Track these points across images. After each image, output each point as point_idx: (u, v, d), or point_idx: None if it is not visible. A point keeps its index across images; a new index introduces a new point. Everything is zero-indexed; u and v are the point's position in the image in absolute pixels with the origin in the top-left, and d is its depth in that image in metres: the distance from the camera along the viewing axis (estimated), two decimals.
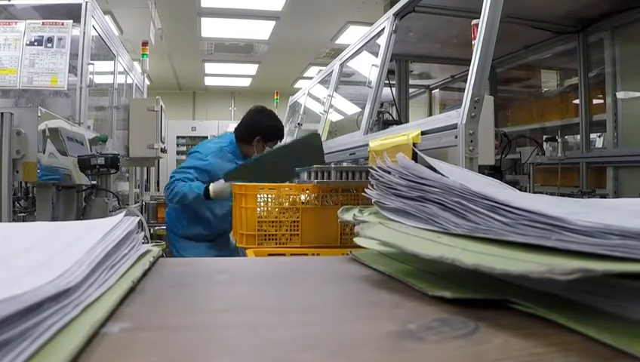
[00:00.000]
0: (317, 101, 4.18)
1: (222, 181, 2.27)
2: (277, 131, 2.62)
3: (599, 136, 3.16)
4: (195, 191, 2.36)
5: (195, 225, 2.57)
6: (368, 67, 2.53)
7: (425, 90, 4.53)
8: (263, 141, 2.53)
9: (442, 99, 4.56)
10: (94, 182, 2.20)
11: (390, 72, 2.73)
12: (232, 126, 8.41)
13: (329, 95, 3.30)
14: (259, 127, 2.57)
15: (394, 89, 3.36)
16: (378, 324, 0.31)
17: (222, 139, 2.62)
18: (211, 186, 2.33)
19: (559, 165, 2.88)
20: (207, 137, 7.79)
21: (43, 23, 2.65)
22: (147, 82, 4.72)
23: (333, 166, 1.61)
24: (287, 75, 8.51)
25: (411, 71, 3.72)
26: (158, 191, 6.55)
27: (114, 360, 0.25)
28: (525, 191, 2.38)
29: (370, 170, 0.52)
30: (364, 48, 2.90)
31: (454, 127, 1.37)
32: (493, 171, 2.31)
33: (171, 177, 2.44)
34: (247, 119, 2.62)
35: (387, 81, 2.55)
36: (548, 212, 0.32)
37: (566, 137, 3.08)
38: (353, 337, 0.29)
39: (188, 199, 2.36)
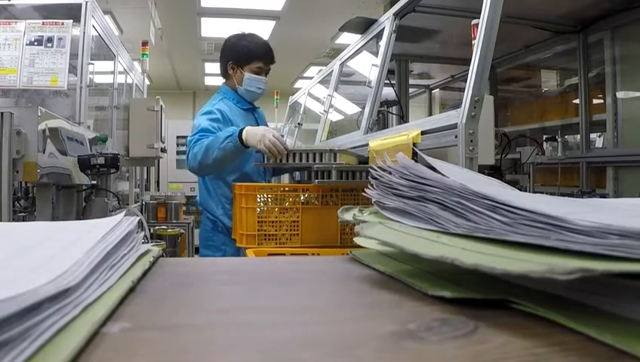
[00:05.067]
0: (317, 101, 4.18)
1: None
2: (249, 50, 2.16)
3: (599, 136, 3.17)
4: (222, 137, 1.89)
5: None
6: (368, 67, 2.53)
7: (425, 90, 4.53)
8: (236, 66, 2.16)
9: (442, 99, 4.57)
10: (94, 182, 2.20)
11: (390, 72, 2.74)
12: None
13: (329, 95, 3.30)
14: (227, 52, 2.20)
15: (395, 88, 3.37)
16: (378, 324, 0.31)
17: (214, 100, 2.23)
18: (245, 128, 1.87)
19: (559, 165, 2.88)
20: None
21: (43, 23, 2.65)
22: (147, 82, 4.72)
23: (333, 166, 1.61)
24: (287, 75, 8.50)
25: (411, 71, 3.72)
26: (158, 190, 6.55)
27: (114, 360, 0.25)
28: (525, 191, 2.38)
29: (370, 170, 0.52)
30: (364, 48, 2.90)
31: (454, 126, 1.37)
32: (493, 171, 2.31)
33: (189, 142, 2.02)
34: (220, 53, 2.26)
35: (387, 81, 2.55)
36: (548, 212, 0.32)
37: (566, 137, 3.08)
38: (353, 337, 0.29)
39: (213, 152, 1.90)
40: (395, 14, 2.32)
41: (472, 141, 1.33)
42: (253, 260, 1.13)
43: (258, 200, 1.66)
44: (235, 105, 2.19)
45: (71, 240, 0.39)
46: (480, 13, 1.40)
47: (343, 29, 2.90)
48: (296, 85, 8.55)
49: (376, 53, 2.58)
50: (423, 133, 1.54)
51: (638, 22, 2.75)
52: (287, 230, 1.64)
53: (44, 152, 1.81)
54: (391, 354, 0.26)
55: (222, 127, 2.02)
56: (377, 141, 1.83)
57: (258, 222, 1.63)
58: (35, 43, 2.61)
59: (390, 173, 0.49)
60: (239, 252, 1.91)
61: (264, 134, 1.80)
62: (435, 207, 0.42)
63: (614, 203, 0.52)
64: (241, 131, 1.86)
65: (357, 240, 0.50)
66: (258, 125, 2.18)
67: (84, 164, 2.06)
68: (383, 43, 2.40)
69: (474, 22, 1.50)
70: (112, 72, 3.55)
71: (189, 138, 2.05)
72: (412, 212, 0.44)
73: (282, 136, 1.97)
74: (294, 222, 1.64)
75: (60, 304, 0.27)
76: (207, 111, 2.11)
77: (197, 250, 5.34)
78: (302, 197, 1.67)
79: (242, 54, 2.17)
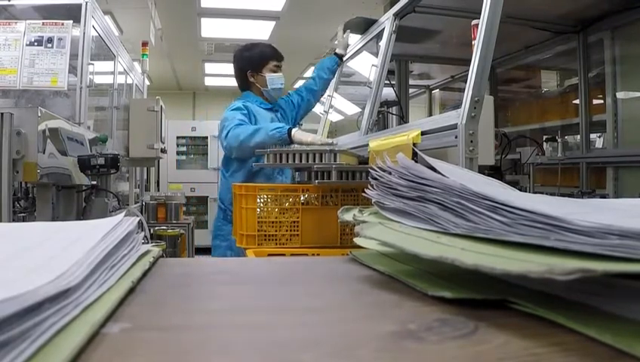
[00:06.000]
0: None
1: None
2: (261, 54, 2.38)
3: (599, 136, 3.16)
4: (271, 126, 2.10)
5: None
6: (368, 67, 2.53)
7: (425, 90, 4.53)
8: (255, 72, 2.36)
9: (442, 99, 4.56)
10: (94, 182, 2.20)
11: (390, 72, 2.73)
12: None
13: (329, 95, 3.30)
14: (241, 63, 2.41)
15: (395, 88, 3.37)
16: (378, 324, 0.31)
17: (238, 102, 2.39)
18: (295, 130, 2.09)
19: (559, 165, 2.88)
20: (207, 138, 7.82)
21: (43, 24, 2.66)
22: (147, 82, 4.72)
23: (333, 166, 1.61)
24: (288, 75, 8.50)
25: (411, 71, 3.72)
26: (158, 191, 6.55)
27: (114, 360, 0.25)
28: (525, 191, 2.38)
29: (370, 171, 0.52)
30: (364, 48, 2.90)
31: (454, 127, 1.37)
32: (493, 171, 2.31)
33: (225, 127, 2.19)
34: (234, 67, 2.46)
35: (387, 81, 2.55)
36: (548, 212, 0.32)
37: (566, 137, 3.08)
38: (353, 337, 0.29)
39: (259, 136, 2.08)
40: (395, 15, 2.32)
41: (472, 141, 1.33)
42: (253, 260, 1.13)
43: (258, 200, 1.66)
44: (259, 106, 2.36)
45: (71, 241, 0.39)
46: (480, 13, 1.41)
47: (343, 29, 2.89)
48: (297, 85, 8.55)
49: (376, 54, 2.58)
50: (423, 133, 1.54)
51: (638, 22, 2.75)
52: (287, 230, 1.64)
53: (44, 152, 1.81)
54: (391, 354, 0.26)
55: (248, 121, 2.23)
56: (377, 141, 1.83)
57: (258, 222, 1.63)
58: (35, 43, 2.62)
59: (390, 174, 0.49)
60: None
61: (313, 141, 2.03)
62: (435, 208, 0.42)
63: (614, 203, 0.52)
64: (290, 128, 2.09)
65: (357, 240, 0.50)
66: (278, 120, 2.40)
67: (84, 164, 2.06)
68: (383, 43, 2.40)
69: (474, 22, 1.50)
70: (112, 73, 3.55)
71: (226, 123, 2.21)
72: (412, 212, 0.44)
73: (299, 124, 2.29)
74: (294, 222, 1.64)
75: (60, 304, 0.27)
76: (236, 107, 2.28)
77: (197, 251, 5.34)
78: (302, 198, 1.67)
79: (256, 59, 2.37)
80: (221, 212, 2.39)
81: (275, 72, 2.37)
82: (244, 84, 2.43)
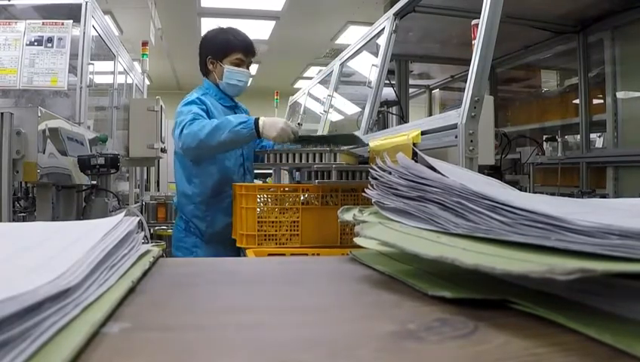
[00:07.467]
0: (317, 101, 4.18)
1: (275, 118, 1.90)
2: (227, 42, 2.10)
3: (599, 136, 3.17)
4: (235, 121, 1.82)
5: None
6: (368, 67, 2.53)
7: (425, 90, 4.53)
8: (215, 60, 2.10)
9: (442, 99, 4.57)
10: (94, 182, 2.20)
11: (390, 72, 2.73)
12: None
13: (329, 95, 3.30)
14: (205, 47, 2.14)
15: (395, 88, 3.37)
16: (378, 324, 0.31)
17: (195, 93, 2.11)
18: (262, 119, 1.85)
19: (559, 165, 2.88)
20: None
21: (43, 23, 2.66)
22: (147, 82, 4.72)
23: (333, 166, 1.61)
24: (287, 75, 8.51)
25: (411, 71, 3.72)
26: (158, 191, 6.55)
27: (114, 360, 0.25)
28: (525, 191, 2.38)
29: (370, 170, 0.52)
30: (364, 48, 2.90)
31: (454, 127, 1.37)
32: (493, 171, 2.31)
33: (179, 123, 1.91)
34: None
35: (387, 81, 2.55)
36: (548, 212, 0.32)
37: (566, 137, 3.08)
38: (353, 337, 0.29)
39: (222, 133, 1.82)
40: (395, 14, 2.32)
41: (472, 141, 1.33)
42: (253, 260, 1.13)
43: (258, 200, 1.66)
44: (218, 101, 2.12)
45: (71, 240, 0.39)
46: (480, 13, 1.40)
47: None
48: (297, 85, 8.55)
49: (376, 54, 2.58)
50: (423, 133, 1.54)
51: (638, 22, 2.75)
52: (287, 230, 1.65)
53: (44, 152, 1.81)
54: (391, 354, 0.26)
55: (206, 117, 1.96)
56: (377, 141, 1.83)
57: (258, 222, 1.63)
58: (35, 43, 2.62)
59: (390, 173, 0.49)
60: (210, 255, 1.98)
61: (283, 128, 1.82)
62: (435, 207, 0.42)
63: (614, 203, 0.52)
64: (257, 120, 1.85)
65: (357, 240, 0.50)
66: None
67: (84, 164, 2.06)
68: (382, 43, 2.40)
69: (474, 22, 1.50)
70: (112, 72, 3.55)
71: (179, 119, 1.95)
72: (412, 212, 0.44)
73: (299, 124, 1.97)
74: (294, 222, 1.64)
75: (60, 304, 0.27)
76: (191, 101, 2.03)
77: None
78: (302, 198, 1.67)
79: (220, 47, 2.11)
80: (182, 222, 2.16)
81: (237, 65, 2.09)
82: (204, 71, 2.17)
